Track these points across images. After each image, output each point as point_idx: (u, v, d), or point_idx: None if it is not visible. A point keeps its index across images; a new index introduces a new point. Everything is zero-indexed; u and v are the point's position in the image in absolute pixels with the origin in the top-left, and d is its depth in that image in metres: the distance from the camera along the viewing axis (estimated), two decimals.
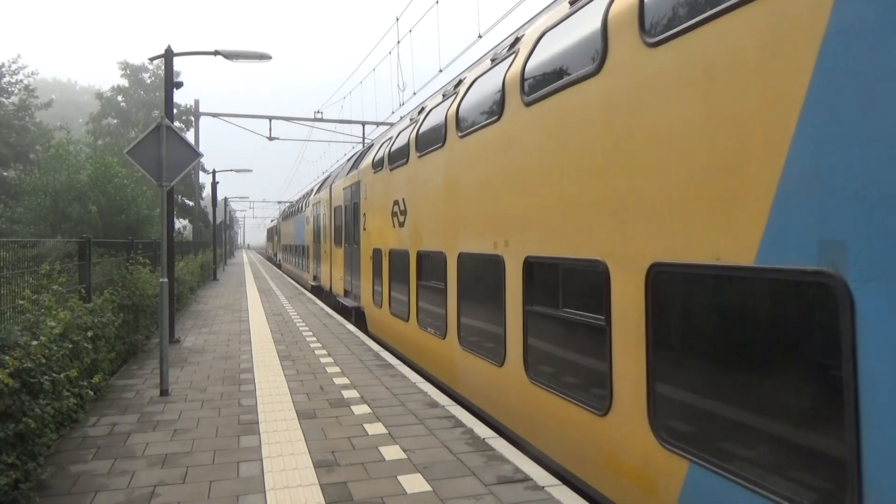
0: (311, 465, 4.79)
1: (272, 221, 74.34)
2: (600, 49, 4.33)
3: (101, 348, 7.13)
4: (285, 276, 33.20)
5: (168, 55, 10.84)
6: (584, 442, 4.48)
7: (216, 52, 11.98)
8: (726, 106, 3.23)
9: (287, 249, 39.34)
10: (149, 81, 50.27)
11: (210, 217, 38.36)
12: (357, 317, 13.75)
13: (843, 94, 2.61)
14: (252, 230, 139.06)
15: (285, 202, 59.74)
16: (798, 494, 2.79)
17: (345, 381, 7.73)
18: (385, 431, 5.65)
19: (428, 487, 4.34)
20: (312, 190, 26.17)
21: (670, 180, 3.61)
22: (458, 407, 6.48)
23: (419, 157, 8.86)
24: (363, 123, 26.42)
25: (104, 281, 9.21)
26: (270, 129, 25.46)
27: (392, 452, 5.08)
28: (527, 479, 4.48)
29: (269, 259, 63.32)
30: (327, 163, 35.53)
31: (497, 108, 6.10)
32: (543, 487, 4.31)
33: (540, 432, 5.21)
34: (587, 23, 4.63)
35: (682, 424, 3.61)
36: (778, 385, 3.00)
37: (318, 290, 21.38)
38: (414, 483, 4.42)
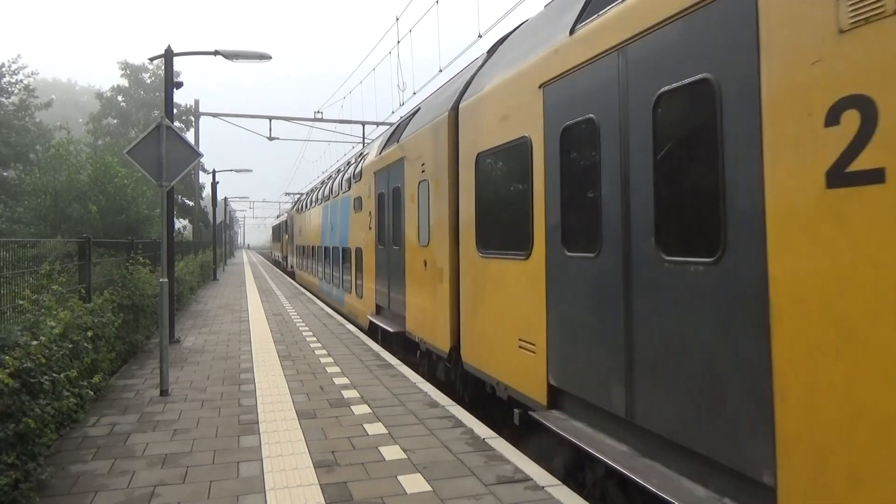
0: (311, 465, 4.79)
1: (278, 217, 59.21)
2: None
3: (101, 348, 7.13)
4: (301, 287, 23.83)
5: (168, 55, 10.85)
6: None
7: (216, 52, 11.99)
8: None
9: (306, 254, 25.73)
10: (149, 81, 50.35)
11: (210, 217, 38.36)
12: None
13: None
14: (252, 230, 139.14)
15: (294, 193, 48.80)
16: None
17: (345, 381, 7.73)
18: (385, 431, 5.65)
19: (428, 487, 4.34)
20: (362, 154, 14.99)
21: None
22: (458, 407, 6.48)
23: None
24: (363, 123, 26.44)
25: (104, 281, 9.21)
26: (270, 129, 25.49)
27: (392, 452, 5.08)
28: (527, 479, 4.48)
29: (276, 263, 50.26)
30: (327, 162, 35.30)
31: None
32: (543, 487, 4.31)
33: None
34: None
35: None
36: None
37: (387, 338, 10.73)
38: (414, 483, 4.42)
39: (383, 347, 10.18)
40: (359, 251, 13.47)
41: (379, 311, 11.59)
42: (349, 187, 14.94)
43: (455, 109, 7.48)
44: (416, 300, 8.92)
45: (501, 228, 6.16)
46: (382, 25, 30.64)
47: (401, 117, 11.57)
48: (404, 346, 9.95)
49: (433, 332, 8.19)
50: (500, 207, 6.25)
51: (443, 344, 7.75)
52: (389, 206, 10.61)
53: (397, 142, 10.27)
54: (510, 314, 5.87)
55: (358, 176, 13.83)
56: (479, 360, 6.66)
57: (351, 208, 14.63)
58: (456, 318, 7.37)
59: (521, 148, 5.63)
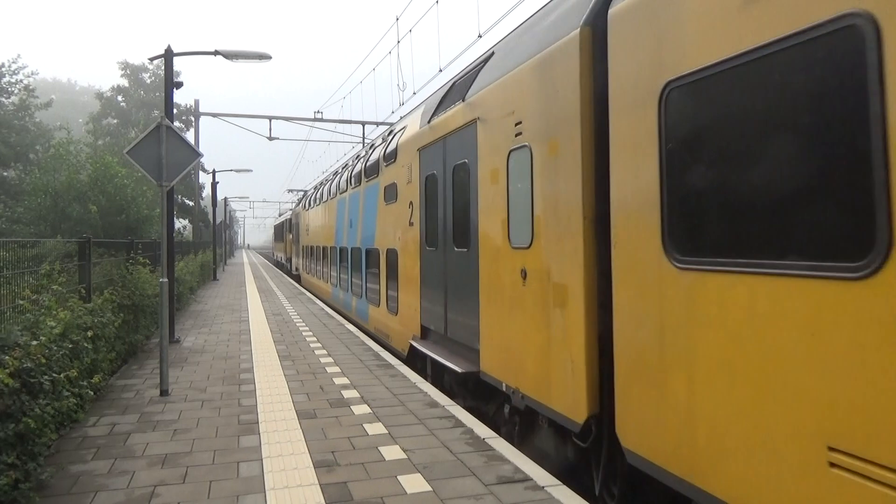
0: (311, 465, 4.79)
1: (280, 216, 52.51)
2: None
3: (101, 348, 7.14)
4: (308, 292, 20.83)
5: (168, 55, 10.85)
6: None
7: (216, 52, 11.98)
8: None
9: (315, 255, 21.55)
10: (149, 81, 50.33)
11: (210, 217, 38.36)
12: None
13: None
14: (252, 230, 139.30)
15: (297, 190, 43.08)
16: None
17: (345, 381, 7.73)
18: (385, 431, 5.65)
19: (428, 487, 4.34)
20: (392, 132, 12.07)
21: None
22: (458, 407, 6.48)
23: None
24: (363, 123, 26.43)
25: (104, 281, 9.21)
26: (270, 129, 25.47)
27: (392, 452, 5.08)
28: (527, 479, 4.48)
29: (279, 265, 45.99)
30: (327, 162, 35.29)
31: None
32: (543, 487, 4.31)
33: None
34: None
35: None
36: None
37: (438, 373, 8.13)
38: (414, 483, 4.42)
39: (435, 386, 7.72)
40: (392, 253, 10.49)
41: (426, 334, 8.70)
42: (376, 173, 11.90)
43: (592, 24, 4.70)
44: (504, 328, 5.93)
45: (750, 213, 3.15)
46: (382, 25, 30.69)
47: (459, 72, 8.49)
48: (472, 391, 7.11)
49: (543, 384, 5.17)
50: (742, 171, 3.22)
51: (568, 408, 4.75)
52: (446, 192, 7.74)
53: (462, 100, 7.23)
54: (796, 393, 2.85)
55: (391, 157, 10.68)
56: (685, 465, 3.53)
57: (379, 200, 11.58)
58: (599, 369, 4.49)
59: (828, 43, 2.72)
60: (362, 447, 5.22)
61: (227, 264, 46.73)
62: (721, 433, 3.25)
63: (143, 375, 8.16)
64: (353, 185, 14.36)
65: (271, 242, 72.99)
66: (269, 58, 12.55)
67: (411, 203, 9.38)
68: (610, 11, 4.38)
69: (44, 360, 4.85)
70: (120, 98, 50.05)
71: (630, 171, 4.09)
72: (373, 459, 4.92)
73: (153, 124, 7.38)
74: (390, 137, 11.47)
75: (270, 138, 25.61)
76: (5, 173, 31.08)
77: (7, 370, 4.21)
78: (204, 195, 43.76)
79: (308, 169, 45.85)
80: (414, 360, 9.05)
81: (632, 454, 3.99)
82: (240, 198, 60.66)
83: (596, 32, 4.66)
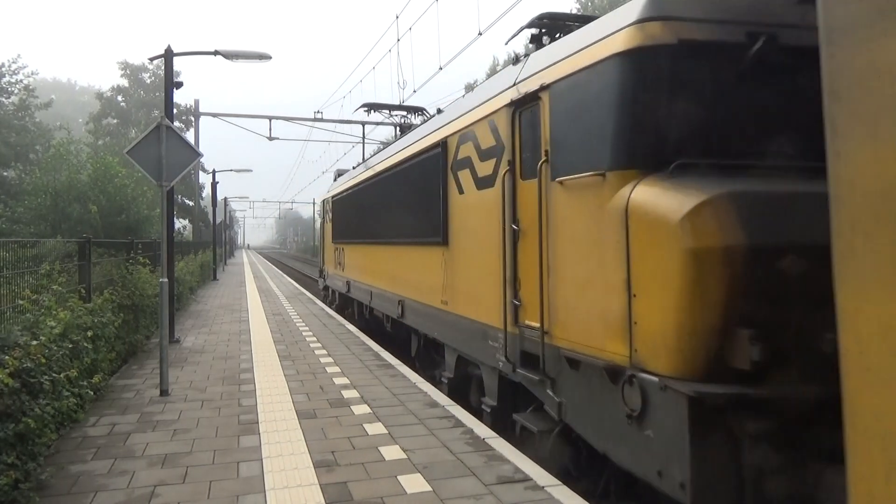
0: (311, 465, 4.79)
1: (337, 178, 17.36)
2: None
3: (101, 348, 7.14)
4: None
5: (168, 55, 10.84)
6: None
7: (216, 52, 11.97)
8: None
9: None
10: (149, 81, 50.40)
11: (210, 217, 38.36)
12: None
13: None
14: (252, 230, 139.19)
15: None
16: None
17: (345, 381, 7.72)
18: (385, 431, 5.65)
19: (428, 487, 4.34)
20: None
21: None
22: (458, 407, 6.48)
23: None
24: (363, 123, 26.39)
25: (104, 281, 9.21)
26: (270, 129, 25.48)
27: (392, 452, 5.07)
28: (527, 479, 4.48)
29: (326, 296, 19.31)
30: (327, 162, 35.00)
31: None
32: (543, 487, 4.31)
33: None
34: None
35: None
36: None
37: None
38: (414, 483, 4.42)
39: None
40: None
41: None
42: None
43: None
44: None
45: None
46: (382, 24, 30.63)
47: None
48: None
49: None
50: None
51: None
52: None
53: None
54: None
55: None
56: None
57: None
58: None
59: None
60: (362, 447, 5.22)
61: (228, 264, 46.70)
62: None
63: (143, 375, 8.16)
64: None
65: (319, 237, 24.97)
66: (269, 58, 12.52)
67: None
68: None
69: (44, 360, 4.85)
70: (120, 98, 50.12)
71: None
72: (373, 459, 4.92)
73: (153, 124, 7.39)
74: None
75: (270, 138, 25.62)
76: (5, 173, 31.08)
77: (7, 370, 4.21)
78: (204, 195, 43.75)
79: (308, 169, 45.77)
80: None
81: None
82: (240, 198, 60.65)
83: None
